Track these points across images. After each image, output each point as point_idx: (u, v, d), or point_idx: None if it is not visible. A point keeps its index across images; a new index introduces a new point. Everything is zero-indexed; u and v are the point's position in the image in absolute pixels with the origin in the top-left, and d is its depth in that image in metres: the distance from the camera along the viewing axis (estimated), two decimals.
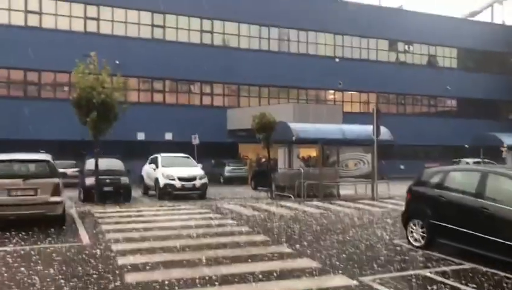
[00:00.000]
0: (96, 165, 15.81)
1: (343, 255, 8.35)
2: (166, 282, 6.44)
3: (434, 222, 8.58)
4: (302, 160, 24.30)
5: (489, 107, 41.58)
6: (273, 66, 33.80)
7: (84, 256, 8.11)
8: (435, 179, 9.06)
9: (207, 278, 6.68)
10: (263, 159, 27.72)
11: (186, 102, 33.20)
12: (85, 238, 9.82)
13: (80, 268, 7.28)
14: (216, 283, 6.46)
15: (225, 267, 7.34)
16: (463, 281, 6.61)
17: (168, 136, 31.03)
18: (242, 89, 34.83)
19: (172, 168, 18.62)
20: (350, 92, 37.57)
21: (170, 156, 20.21)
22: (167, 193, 18.13)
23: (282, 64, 34.12)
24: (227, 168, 28.88)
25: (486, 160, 31.99)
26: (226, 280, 6.62)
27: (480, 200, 7.76)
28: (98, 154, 15.80)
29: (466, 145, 37.23)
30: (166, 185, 18.19)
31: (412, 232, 9.12)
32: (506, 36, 42.42)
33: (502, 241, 7.15)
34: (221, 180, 28.24)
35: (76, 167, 23.45)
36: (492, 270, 7.12)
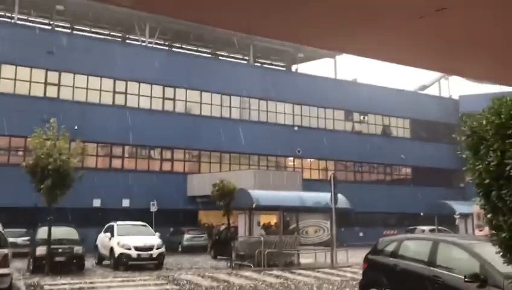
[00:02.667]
0: (49, 233, 15.22)
1: None
2: None
3: None
4: (262, 227, 24.22)
5: (442, 175, 43.32)
6: (234, 133, 34.42)
7: None
8: (390, 248, 9.25)
9: None
10: (223, 227, 27.43)
11: (145, 168, 32.91)
12: None
13: None
14: None
15: None
16: None
17: (126, 202, 30.34)
18: (203, 155, 35.02)
19: (129, 237, 18.12)
20: (309, 160, 38.43)
21: (126, 225, 19.70)
22: (122, 263, 17.49)
23: (243, 132, 34.82)
24: (186, 236, 28.25)
25: (440, 228, 32.83)
26: None
27: (432, 268, 7.96)
28: (51, 222, 15.26)
29: (421, 213, 38.21)
30: (121, 254, 17.59)
31: None
32: (453, 108, 45.23)
33: None
34: (180, 249, 27.53)
35: (28, 236, 22.41)
36: None
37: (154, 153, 33.75)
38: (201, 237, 28.60)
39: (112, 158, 32.11)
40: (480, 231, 22.70)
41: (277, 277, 15.53)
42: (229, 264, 18.88)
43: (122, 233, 18.47)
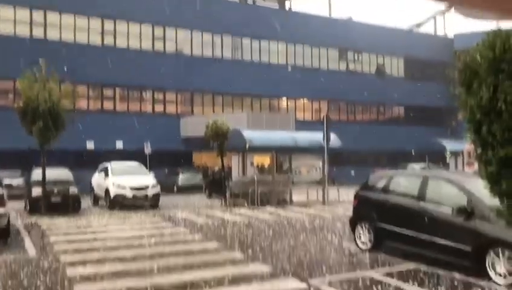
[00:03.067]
0: (44, 175, 15.33)
1: (294, 259, 8.55)
2: None
3: (380, 225, 8.95)
4: (256, 168, 24.58)
5: (434, 114, 43.55)
6: (226, 74, 33.98)
7: (31, 268, 7.87)
8: (380, 184, 9.45)
9: (158, 286, 6.66)
10: (217, 168, 27.76)
11: (137, 109, 32.74)
12: (31, 250, 9.51)
13: (26, 281, 7.06)
14: None
15: (177, 275, 7.34)
16: (406, 281, 6.95)
17: (119, 144, 30.41)
18: (195, 96, 34.76)
19: (124, 177, 18.30)
20: (302, 100, 38.32)
21: (121, 165, 19.84)
22: (118, 203, 17.78)
23: (236, 72, 34.39)
24: (181, 177, 28.62)
25: (431, 165, 33.45)
26: (178, 287, 6.63)
27: (421, 203, 8.18)
28: (45, 163, 15.33)
29: (413, 151, 38.78)
30: (117, 195, 17.85)
31: (359, 235, 9.45)
32: (448, 47, 44.67)
33: (441, 242, 7.57)
34: (175, 190, 27.98)
35: (22, 177, 22.59)
36: (434, 270, 7.52)
37: (146, 94, 33.45)
38: (196, 177, 28.99)
39: (103, 100, 31.83)
40: (470, 167, 23.18)
41: (270, 213, 15.93)
42: (223, 202, 19.28)
43: (117, 173, 18.63)
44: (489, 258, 6.82)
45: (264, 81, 34.99)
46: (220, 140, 19.54)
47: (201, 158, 33.18)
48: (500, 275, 6.66)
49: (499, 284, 6.58)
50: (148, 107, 33.33)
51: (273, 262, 8.23)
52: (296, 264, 8.07)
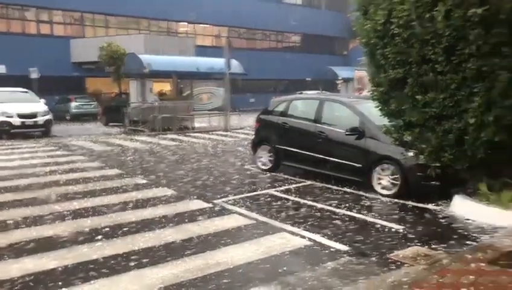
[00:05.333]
0: None
1: (198, 182, 8.69)
2: (11, 222, 6.04)
3: (279, 146, 9.34)
4: (156, 94, 23.87)
5: (328, 43, 45.09)
6: None
7: None
8: (280, 108, 9.75)
9: (57, 213, 6.42)
10: (113, 94, 26.51)
11: (20, 30, 29.51)
12: None
13: None
14: (68, 218, 6.25)
15: (77, 202, 7.11)
16: (302, 196, 7.45)
17: (1, 69, 27.51)
18: (86, 17, 32.07)
19: (10, 104, 16.82)
20: (202, 25, 37.23)
21: (6, 91, 18.08)
22: (4, 132, 16.47)
23: None
24: (73, 104, 26.95)
25: (325, 92, 35.09)
26: (79, 213, 6.45)
27: (318, 124, 8.63)
28: None
29: (308, 79, 40.26)
30: (2, 122, 16.44)
31: (260, 157, 9.82)
32: None
33: (335, 160, 8.14)
34: (68, 117, 26.41)
35: None
36: (327, 185, 8.13)
37: (29, 14, 30.08)
38: (91, 104, 27.49)
39: None
40: (360, 93, 24.74)
41: (172, 139, 15.82)
42: (122, 130, 18.68)
43: (2, 100, 17.01)
44: (376, 173, 7.51)
45: (161, 2, 33.16)
46: (116, 64, 18.50)
47: (95, 84, 31.35)
48: (384, 187, 7.40)
49: (383, 195, 7.33)
50: (32, 29, 30.16)
51: (177, 186, 8.29)
52: (200, 187, 8.21)
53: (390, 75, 6.41)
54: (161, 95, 25.03)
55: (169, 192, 7.80)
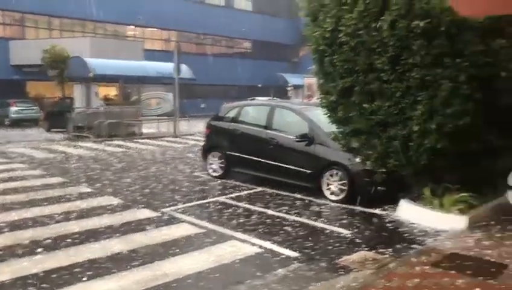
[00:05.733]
0: None
1: (146, 190, 8.46)
2: None
3: (230, 153, 9.28)
4: (102, 98, 23.19)
5: (279, 50, 45.60)
6: None
7: None
8: (231, 114, 9.71)
9: None
10: (57, 98, 25.47)
11: None
12: None
13: None
14: (5, 230, 5.89)
15: (16, 212, 6.71)
16: (253, 203, 7.42)
17: None
18: (27, 18, 30.69)
19: None
20: (151, 29, 36.63)
21: None
22: None
23: None
24: (13, 108, 25.57)
25: (275, 98, 35.45)
26: (18, 225, 6.08)
27: (269, 131, 8.66)
28: None
29: (259, 85, 40.54)
30: None
31: (211, 164, 9.71)
32: None
33: (285, 166, 8.19)
34: (7, 123, 25.07)
35: None
36: (278, 192, 8.16)
37: None
38: (32, 109, 26.20)
39: None
40: (309, 100, 25.17)
41: (119, 146, 15.38)
42: (65, 136, 17.96)
43: None
44: (325, 179, 7.61)
45: (108, 5, 32.31)
46: (60, 68, 17.78)
47: (37, 88, 30.01)
48: (332, 193, 7.51)
49: (332, 200, 7.43)
50: None
51: (124, 195, 8.03)
52: (148, 196, 8.00)
53: (338, 84, 6.52)
54: (107, 99, 24.35)
55: (115, 201, 7.54)
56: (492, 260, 4.73)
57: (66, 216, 6.54)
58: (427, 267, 4.50)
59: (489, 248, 5.06)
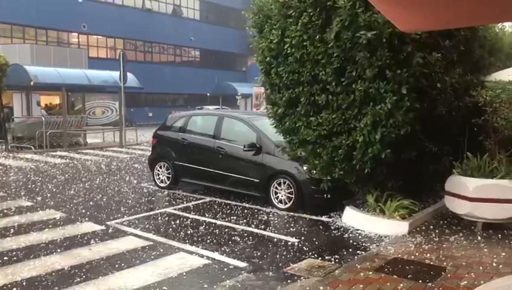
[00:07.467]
0: None
1: (91, 202, 8.20)
2: None
3: (178, 163, 9.18)
4: (44, 108, 22.29)
5: (228, 59, 45.76)
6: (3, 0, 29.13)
7: None
8: (178, 123, 9.61)
9: None
10: None
11: None
12: None
13: None
14: None
15: None
16: (202, 213, 7.37)
17: None
18: None
19: None
20: (96, 37, 35.70)
21: None
22: None
23: None
24: None
25: (224, 107, 35.48)
26: None
27: (217, 140, 8.64)
28: None
29: (208, 94, 40.43)
30: None
31: (158, 174, 9.55)
32: None
33: (234, 175, 8.19)
34: None
35: None
36: (227, 201, 8.14)
37: None
38: None
39: None
40: (257, 109, 25.38)
41: (62, 157, 14.81)
42: (3, 147, 17.08)
43: None
44: (273, 187, 7.69)
45: (51, 11, 31.18)
46: None
47: None
48: (280, 201, 7.59)
49: (280, 209, 7.51)
50: None
51: (67, 208, 7.74)
52: (92, 208, 7.75)
53: (284, 95, 6.62)
54: (49, 109, 23.43)
55: (57, 214, 7.25)
56: (432, 263, 4.94)
57: (3, 233, 6.21)
58: (371, 272, 4.63)
59: (429, 252, 5.29)
